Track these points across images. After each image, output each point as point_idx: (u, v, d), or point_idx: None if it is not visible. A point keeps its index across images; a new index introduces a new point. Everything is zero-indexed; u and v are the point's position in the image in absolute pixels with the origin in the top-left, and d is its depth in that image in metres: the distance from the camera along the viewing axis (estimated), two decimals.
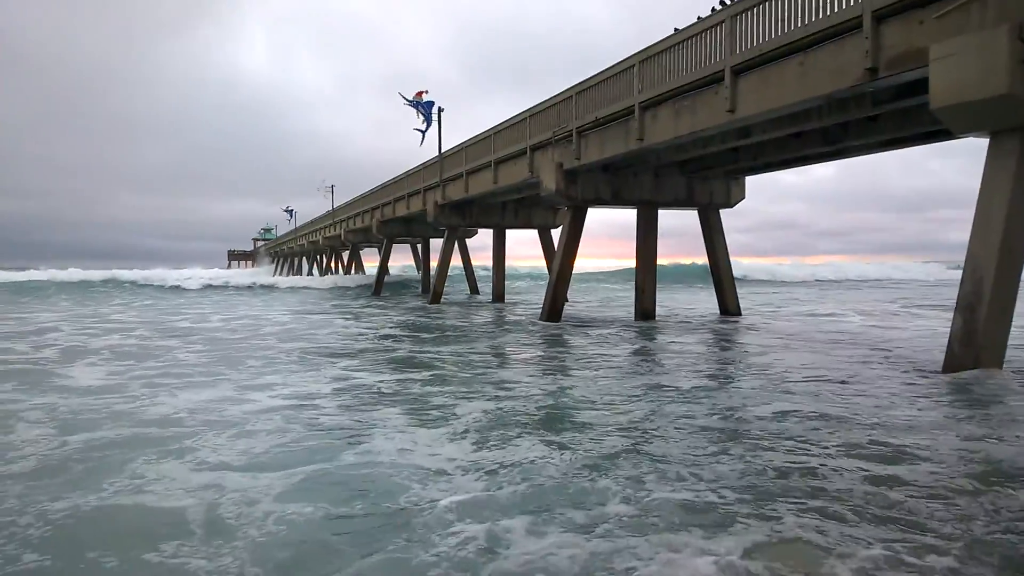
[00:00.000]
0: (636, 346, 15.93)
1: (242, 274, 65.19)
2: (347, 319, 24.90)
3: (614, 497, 5.39)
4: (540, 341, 17.41)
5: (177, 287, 42.04)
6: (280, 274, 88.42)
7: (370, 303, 35.06)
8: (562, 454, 6.64)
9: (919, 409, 8.42)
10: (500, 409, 8.80)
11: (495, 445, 7.04)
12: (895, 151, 18.28)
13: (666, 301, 29.32)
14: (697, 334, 18.30)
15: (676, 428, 7.65)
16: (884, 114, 15.15)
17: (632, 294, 24.13)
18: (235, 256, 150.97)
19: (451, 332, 19.85)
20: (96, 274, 46.58)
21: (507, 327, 21.44)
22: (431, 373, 12.01)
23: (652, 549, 4.42)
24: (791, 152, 18.39)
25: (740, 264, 70.37)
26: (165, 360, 13.82)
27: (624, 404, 9.07)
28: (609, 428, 7.68)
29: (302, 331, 20.06)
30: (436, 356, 14.41)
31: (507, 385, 10.61)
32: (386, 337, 18.34)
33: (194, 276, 47.67)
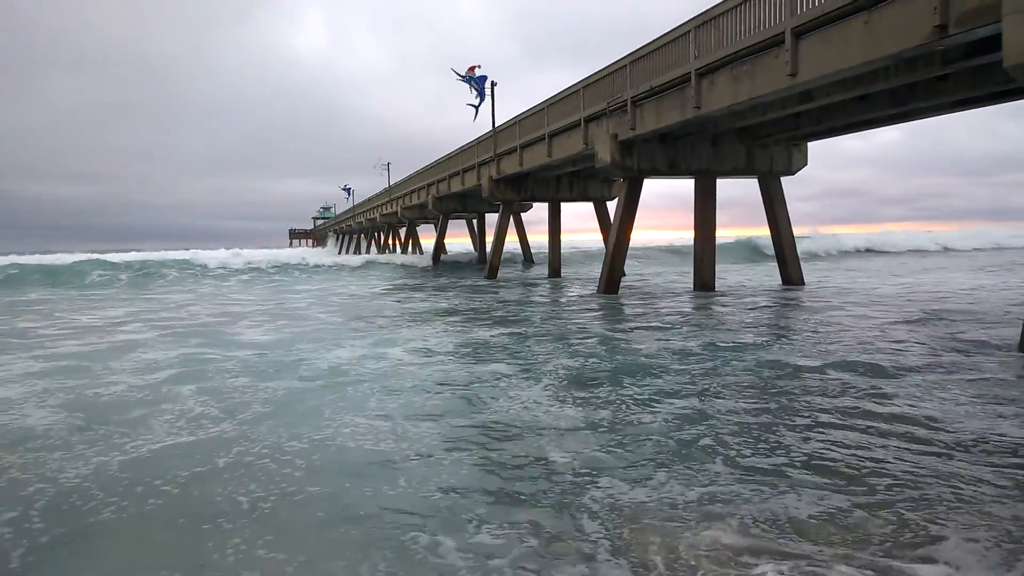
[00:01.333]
0: (696, 314, 15.82)
1: (315, 253, 66.18)
2: (405, 296, 25.25)
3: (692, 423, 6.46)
4: (599, 311, 17.45)
5: (258, 269, 39.31)
6: (343, 252, 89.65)
7: (429, 279, 35.40)
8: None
9: None
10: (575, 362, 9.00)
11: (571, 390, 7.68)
12: (965, 112, 17.54)
13: (726, 275, 28.88)
14: (758, 304, 18.01)
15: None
16: (954, 73, 14.53)
17: (690, 267, 23.84)
18: (296, 235, 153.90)
19: (506, 310, 19.94)
20: (172, 255, 45.75)
21: (564, 302, 21.43)
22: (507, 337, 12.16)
23: None
24: (855, 116, 17.79)
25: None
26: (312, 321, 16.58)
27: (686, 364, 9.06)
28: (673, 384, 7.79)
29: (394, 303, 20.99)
30: (496, 337, 14.49)
31: (573, 347, 10.93)
32: (452, 312, 18.48)
33: (267, 257, 46.14)
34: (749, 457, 5.71)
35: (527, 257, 49.71)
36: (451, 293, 24.97)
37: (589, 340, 12.31)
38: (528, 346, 11.90)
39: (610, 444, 6.15)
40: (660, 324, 14.36)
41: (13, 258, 38.81)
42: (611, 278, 22.61)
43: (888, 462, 5.48)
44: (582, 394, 8.11)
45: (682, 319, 15.30)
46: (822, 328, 13.20)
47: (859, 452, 5.73)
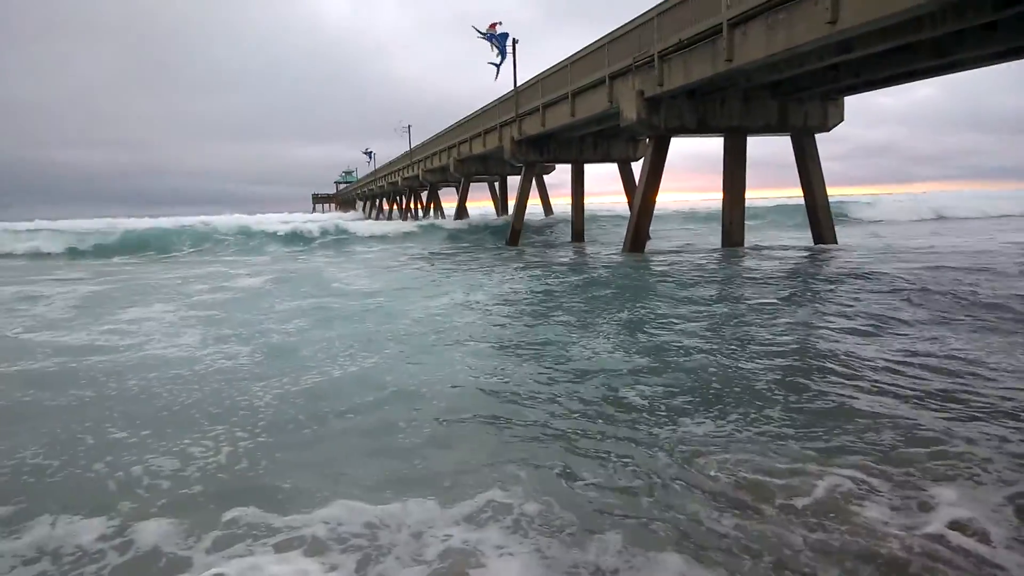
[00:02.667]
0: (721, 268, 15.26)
1: (344, 218, 65.46)
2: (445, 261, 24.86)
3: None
4: (623, 268, 16.99)
5: (297, 233, 36.84)
6: (370, 217, 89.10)
7: (452, 246, 34.92)
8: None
9: None
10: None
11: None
12: (1003, 65, 16.62)
13: (755, 238, 27.95)
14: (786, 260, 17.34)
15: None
16: (1003, 20, 13.63)
17: (717, 229, 23.12)
18: (319, 199, 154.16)
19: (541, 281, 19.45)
20: (221, 220, 43.14)
21: (588, 260, 20.87)
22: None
23: None
24: (897, 67, 16.87)
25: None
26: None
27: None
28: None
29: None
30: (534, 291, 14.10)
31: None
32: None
33: (294, 221, 42.58)
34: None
35: (545, 209, 48.82)
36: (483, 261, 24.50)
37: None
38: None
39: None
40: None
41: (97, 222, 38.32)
42: (636, 238, 22.02)
43: None
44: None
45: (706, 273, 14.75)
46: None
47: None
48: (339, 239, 37.21)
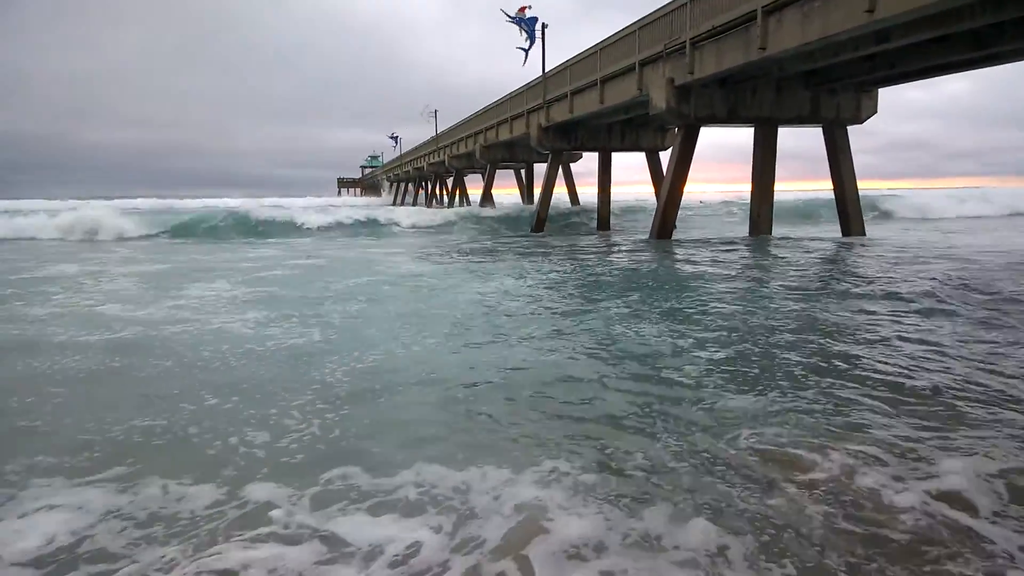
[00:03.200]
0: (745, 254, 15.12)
1: (372, 203, 64.54)
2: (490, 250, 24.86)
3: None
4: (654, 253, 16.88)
5: (340, 222, 35.06)
6: (395, 204, 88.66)
7: (483, 233, 34.87)
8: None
9: None
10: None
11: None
12: None
13: (784, 229, 27.62)
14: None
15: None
16: None
17: (745, 222, 22.91)
18: (344, 183, 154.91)
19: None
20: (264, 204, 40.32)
21: (618, 246, 20.80)
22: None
23: None
24: (934, 59, 16.55)
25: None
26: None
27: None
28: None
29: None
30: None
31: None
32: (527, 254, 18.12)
33: (332, 210, 39.27)
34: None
35: (572, 198, 47.87)
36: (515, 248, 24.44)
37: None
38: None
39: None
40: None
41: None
42: (664, 226, 21.89)
43: None
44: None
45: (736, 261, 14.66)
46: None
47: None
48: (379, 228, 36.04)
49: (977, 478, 4.05)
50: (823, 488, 4.00)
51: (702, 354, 7.11)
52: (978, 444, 4.57)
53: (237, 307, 10.57)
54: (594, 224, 33.85)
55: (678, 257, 17.41)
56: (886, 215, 40.52)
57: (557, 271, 14.95)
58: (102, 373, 6.85)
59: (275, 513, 3.85)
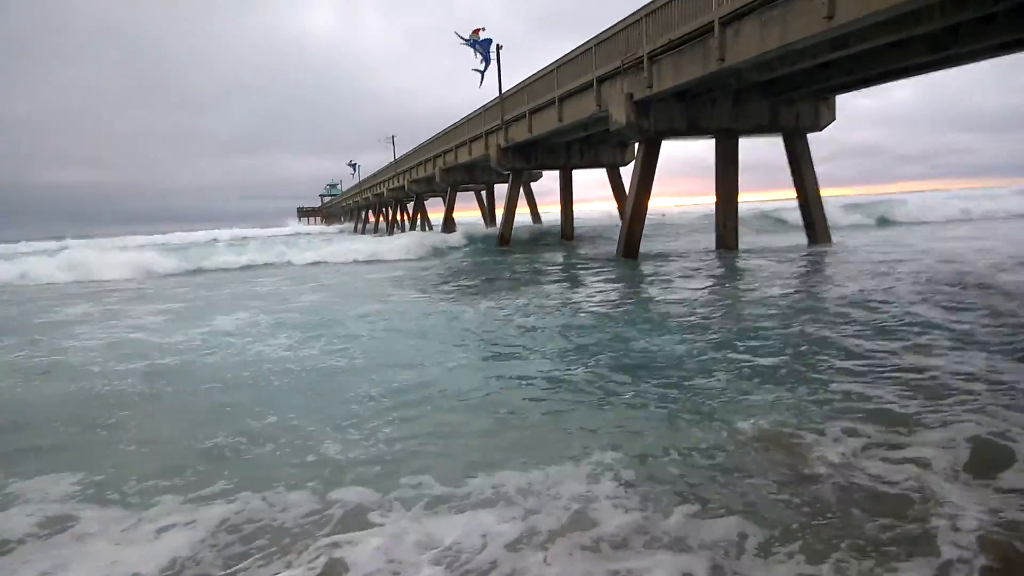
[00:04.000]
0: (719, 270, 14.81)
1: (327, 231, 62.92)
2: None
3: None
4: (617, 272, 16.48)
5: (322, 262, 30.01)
6: (356, 231, 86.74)
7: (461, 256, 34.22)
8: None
9: None
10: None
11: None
12: (978, 64, 16.54)
13: (748, 241, 27.30)
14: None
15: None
16: (1001, 13, 13.36)
17: (708, 234, 22.71)
18: (304, 213, 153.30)
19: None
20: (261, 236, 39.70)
21: (584, 263, 20.38)
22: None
23: None
24: (890, 64, 16.53)
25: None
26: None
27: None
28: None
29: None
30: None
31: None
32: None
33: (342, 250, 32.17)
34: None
35: (534, 217, 48.46)
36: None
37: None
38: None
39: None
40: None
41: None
42: (630, 243, 21.57)
43: None
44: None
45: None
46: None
47: None
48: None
49: None
50: None
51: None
52: None
53: (268, 332, 11.00)
54: (558, 241, 33.56)
55: (651, 279, 16.84)
56: (885, 221, 38.46)
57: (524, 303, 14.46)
58: (169, 395, 7.37)
59: (372, 516, 4.23)
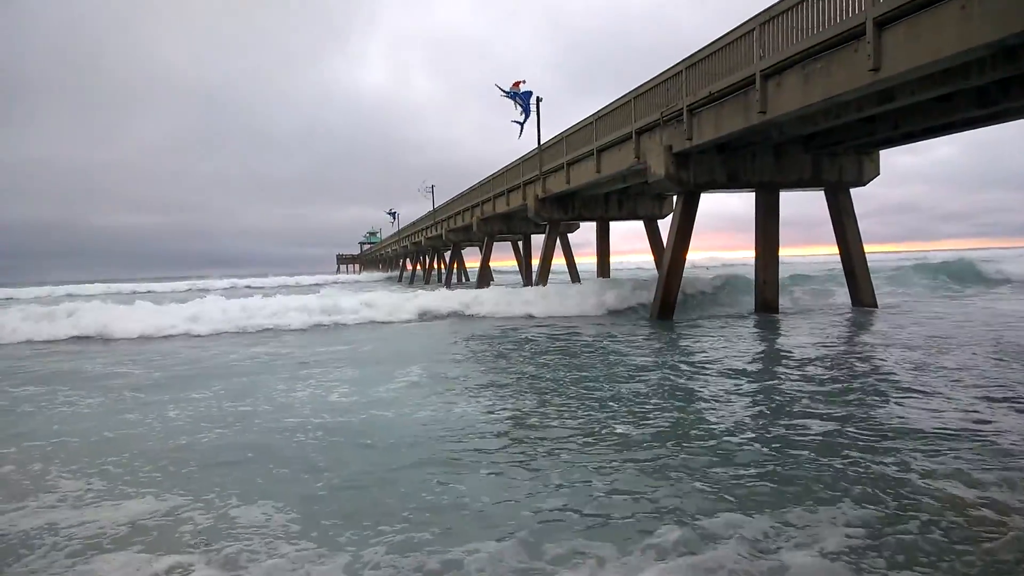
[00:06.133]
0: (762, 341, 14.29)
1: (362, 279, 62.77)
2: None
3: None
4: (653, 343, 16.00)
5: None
6: (397, 280, 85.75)
7: None
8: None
9: None
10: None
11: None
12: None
13: (788, 299, 26.15)
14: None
15: None
16: None
17: (748, 289, 22.20)
18: (343, 260, 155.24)
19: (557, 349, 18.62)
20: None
21: (615, 326, 20.02)
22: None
23: None
24: (937, 118, 16.17)
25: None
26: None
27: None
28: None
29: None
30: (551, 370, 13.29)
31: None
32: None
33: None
34: None
35: (572, 277, 47.76)
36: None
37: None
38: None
39: None
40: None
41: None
42: (665, 302, 21.13)
43: None
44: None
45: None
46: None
47: None
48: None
49: None
50: None
51: None
52: None
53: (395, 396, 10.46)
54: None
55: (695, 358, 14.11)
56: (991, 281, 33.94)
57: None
58: (373, 453, 7.34)
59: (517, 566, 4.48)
